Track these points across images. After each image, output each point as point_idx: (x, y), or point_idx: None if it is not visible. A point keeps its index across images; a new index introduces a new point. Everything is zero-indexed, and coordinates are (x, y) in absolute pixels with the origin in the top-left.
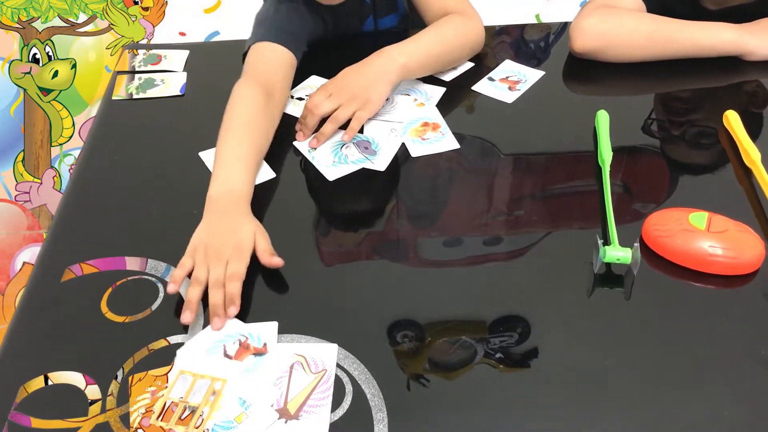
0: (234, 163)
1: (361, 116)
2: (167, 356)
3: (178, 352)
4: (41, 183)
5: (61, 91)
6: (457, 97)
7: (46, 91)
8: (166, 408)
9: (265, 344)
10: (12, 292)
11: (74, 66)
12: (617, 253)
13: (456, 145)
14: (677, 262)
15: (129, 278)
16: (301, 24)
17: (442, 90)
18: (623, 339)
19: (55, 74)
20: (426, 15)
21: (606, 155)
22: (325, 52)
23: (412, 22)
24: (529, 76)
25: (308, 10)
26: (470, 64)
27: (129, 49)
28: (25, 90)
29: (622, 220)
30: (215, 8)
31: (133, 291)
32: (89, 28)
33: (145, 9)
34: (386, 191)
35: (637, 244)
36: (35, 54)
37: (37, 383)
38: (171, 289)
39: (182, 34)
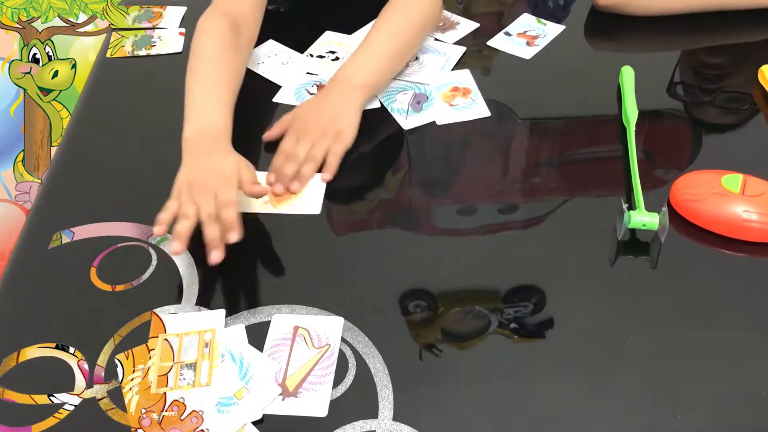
0: (206, 100)
1: (336, 151)
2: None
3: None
4: (41, 183)
5: (61, 91)
6: (471, 54)
7: (46, 91)
8: (165, 407)
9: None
10: None
11: (74, 66)
12: (643, 218)
13: (487, 113)
14: (709, 228)
15: (120, 245)
16: None
17: (461, 50)
18: (648, 310)
19: (55, 74)
20: None
21: (631, 114)
22: (332, 5)
23: None
24: (548, 30)
25: None
26: (476, 24)
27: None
28: (25, 90)
29: (649, 184)
30: None
31: (125, 258)
32: (89, 28)
33: None
34: (398, 157)
35: (665, 209)
36: (35, 54)
37: (21, 356)
38: (157, 230)
39: (182, 34)
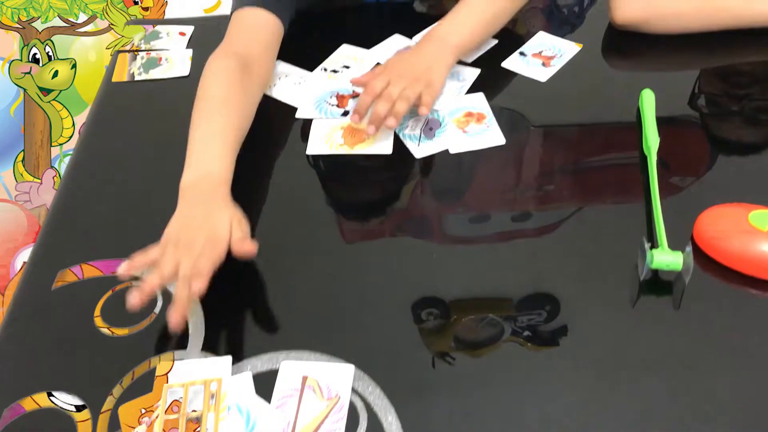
0: (209, 145)
1: (427, 99)
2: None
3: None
4: (41, 183)
5: (61, 91)
6: (485, 76)
7: (46, 91)
8: None
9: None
10: (11, 292)
11: (74, 66)
12: (666, 258)
13: (502, 140)
14: (735, 268)
15: (126, 285)
16: None
17: (476, 72)
18: (666, 349)
19: (55, 74)
20: None
21: (652, 141)
22: (347, 20)
23: None
24: (565, 50)
25: None
26: (494, 41)
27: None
28: (25, 90)
29: (671, 217)
30: (215, 8)
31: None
32: (89, 28)
33: (145, 9)
34: (409, 166)
35: (689, 249)
36: (35, 54)
37: (27, 404)
38: (122, 269)
39: (182, 34)
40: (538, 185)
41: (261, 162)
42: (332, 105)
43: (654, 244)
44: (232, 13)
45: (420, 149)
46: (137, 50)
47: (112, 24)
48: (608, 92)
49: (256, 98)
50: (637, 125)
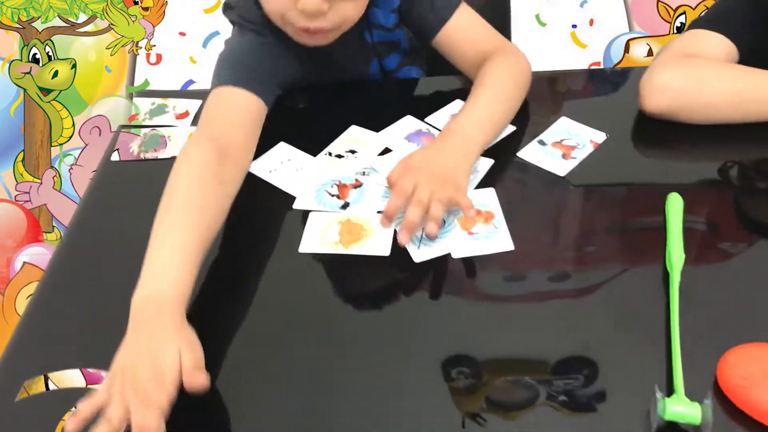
0: (166, 257)
1: (466, 202)
2: None
3: None
4: (41, 183)
5: (61, 91)
6: (498, 167)
7: (46, 91)
8: None
9: None
10: (11, 292)
11: (74, 66)
12: (682, 408)
13: (510, 246)
14: (761, 421)
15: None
16: (272, 63)
17: (489, 163)
18: None
19: (55, 74)
20: (460, 60)
21: (676, 259)
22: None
23: (413, 59)
24: (588, 139)
25: (282, 48)
26: (512, 128)
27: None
28: (25, 90)
29: (693, 353)
30: (215, 8)
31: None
32: (89, 28)
33: (145, 9)
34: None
35: (708, 401)
36: (35, 54)
37: None
38: (69, 428)
39: (182, 34)
40: (578, 246)
41: (251, 258)
42: (333, 195)
43: (669, 390)
44: (211, 90)
45: (420, 252)
46: (140, 126)
47: (112, 24)
48: (633, 190)
49: (233, 189)
50: (664, 231)
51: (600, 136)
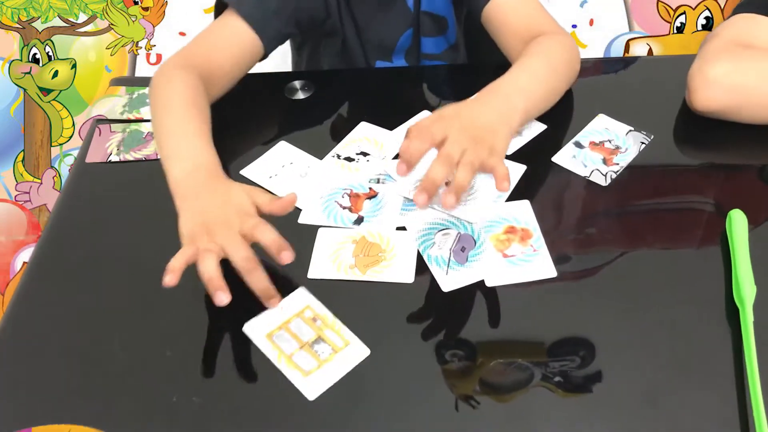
0: (191, 137)
1: (502, 171)
2: None
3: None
4: (41, 183)
5: (61, 91)
6: (530, 174)
7: (46, 91)
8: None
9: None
10: (11, 292)
11: (74, 66)
12: None
13: (552, 273)
14: None
15: None
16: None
17: (521, 169)
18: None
19: (55, 74)
20: (508, 39)
21: (747, 291)
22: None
23: (453, 57)
24: (631, 141)
25: None
26: (542, 126)
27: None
28: (25, 90)
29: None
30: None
31: None
32: (89, 28)
33: (145, 9)
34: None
35: None
36: (35, 54)
37: None
38: (168, 280)
39: (182, 34)
40: (579, 229)
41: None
42: (344, 208)
43: None
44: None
45: (448, 279)
46: (118, 120)
47: (112, 24)
48: (687, 207)
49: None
50: (723, 259)
51: (644, 138)
